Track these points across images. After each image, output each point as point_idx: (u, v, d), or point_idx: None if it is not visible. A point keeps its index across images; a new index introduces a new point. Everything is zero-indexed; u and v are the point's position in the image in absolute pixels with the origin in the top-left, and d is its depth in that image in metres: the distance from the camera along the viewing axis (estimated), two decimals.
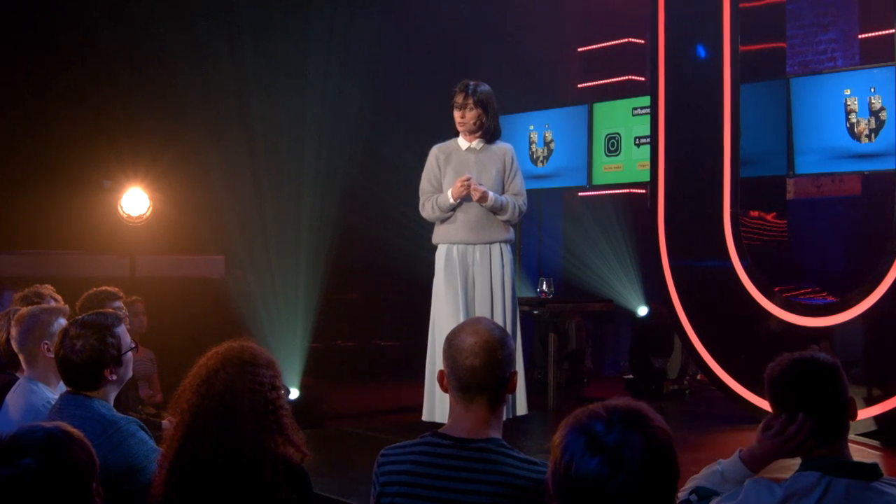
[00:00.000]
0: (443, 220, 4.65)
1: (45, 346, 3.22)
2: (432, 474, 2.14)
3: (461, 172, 4.57)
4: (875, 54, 7.46)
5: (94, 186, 7.70)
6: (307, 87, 8.50)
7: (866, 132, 5.96)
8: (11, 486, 1.59)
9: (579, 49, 9.90)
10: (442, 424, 2.30)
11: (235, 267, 8.49)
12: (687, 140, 6.02)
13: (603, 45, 9.64)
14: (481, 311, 4.52)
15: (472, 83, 4.60)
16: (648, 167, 6.34)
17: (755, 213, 6.00)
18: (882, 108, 5.88)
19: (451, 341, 2.23)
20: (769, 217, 6.16)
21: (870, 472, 2.02)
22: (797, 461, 2.14)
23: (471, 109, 4.59)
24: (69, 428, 1.71)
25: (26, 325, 3.30)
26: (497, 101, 4.73)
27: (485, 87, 4.62)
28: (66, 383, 2.83)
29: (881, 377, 5.05)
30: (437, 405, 4.44)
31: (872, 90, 5.92)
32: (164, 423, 4.80)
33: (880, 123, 5.90)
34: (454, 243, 4.61)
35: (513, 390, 2.27)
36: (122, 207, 7.45)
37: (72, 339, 2.75)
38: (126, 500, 2.51)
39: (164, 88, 7.98)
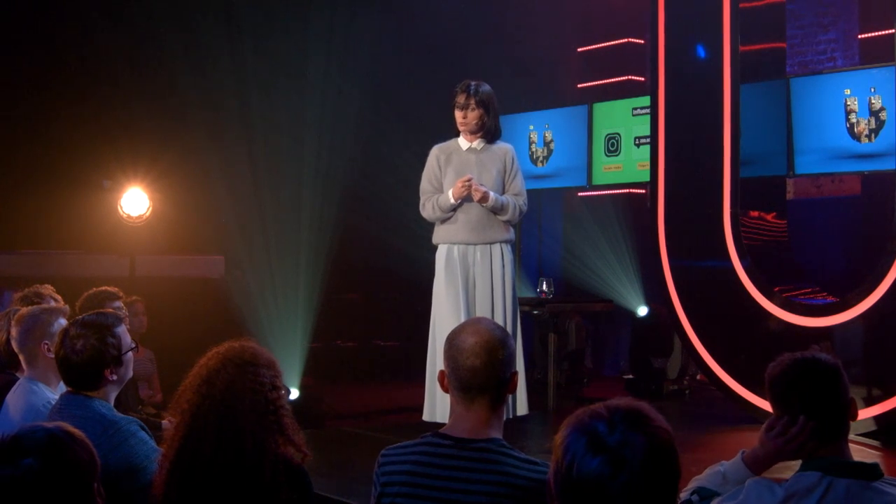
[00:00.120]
0: (443, 221, 4.65)
1: (46, 347, 3.22)
2: (433, 474, 2.14)
3: (462, 173, 4.57)
4: (875, 54, 7.47)
5: (94, 186, 7.69)
6: (307, 87, 8.50)
7: (866, 132, 5.96)
8: (13, 487, 1.59)
9: (579, 49, 9.90)
10: (443, 424, 2.30)
11: (235, 267, 8.49)
12: (687, 140, 6.02)
13: (603, 45, 9.64)
14: (482, 311, 4.52)
15: (473, 83, 4.60)
16: (648, 167, 6.34)
17: (755, 213, 6.00)
18: (882, 109, 5.88)
19: (452, 341, 2.23)
20: (769, 217, 6.16)
21: (870, 472, 2.02)
22: (799, 462, 2.14)
23: (473, 110, 4.59)
24: (70, 428, 1.71)
25: (26, 325, 3.30)
26: (497, 102, 4.73)
27: (486, 88, 4.62)
28: (67, 383, 2.83)
29: (881, 377, 5.06)
30: (437, 405, 4.44)
31: (872, 90, 5.92)
32: (165, 423, 4.80)
33: (880, 123, 5.90)
34: (455, 243, 4.61)
35: (513, 390, 2.27)
36: (122, 207, 7.45)
37: (72, 339, 2.75)
38: (127, 500, 2.51)
39: (164, 88, 7.98)
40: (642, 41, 9.20)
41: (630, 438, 1.41)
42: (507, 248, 4.69)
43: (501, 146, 4.77)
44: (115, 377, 2.81)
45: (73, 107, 7.70)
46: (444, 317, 4.47)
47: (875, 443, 4.88)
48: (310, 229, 8.36)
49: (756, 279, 5.57)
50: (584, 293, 8.71)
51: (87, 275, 6.93)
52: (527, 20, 9.40)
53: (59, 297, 4.09)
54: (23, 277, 6.06)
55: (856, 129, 6.01)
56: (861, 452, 4.48)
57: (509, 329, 4.52)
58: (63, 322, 3.24)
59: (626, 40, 9.49)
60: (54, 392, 3.16)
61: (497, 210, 4.59)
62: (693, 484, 2.28)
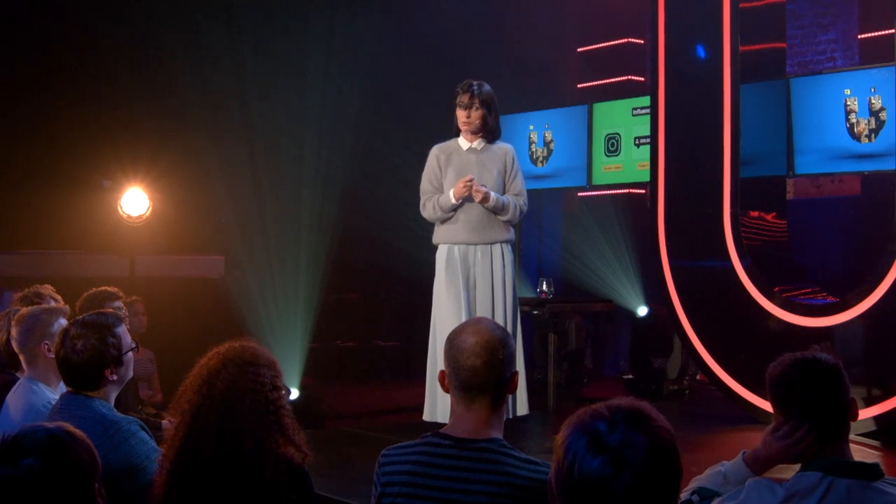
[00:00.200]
0: (443, 221, 4.65)
1: (46, 347, 3.22)
2: (433, 474, 2.14)
3: (463, 173, 4.57)
4: (874, 54, 7.47)
5: (94, 186, 7.69)
6: (307, 87, 8.50)
7: (866, 132, 5.97)
8: (14, 487, 1.59)
9: (579, 49, 9.91)
10: (443, 424, 2.30)
11: (235, 267, 8.49)
12: (687, 140, 6.02)
13: (603, 45, 9.64)
14: (482, 311, 4.52)
15: (475, 83, 4.61)
16: (648, 167, 6.34)
17: (755, 213, 6.00)
18: (882, 109, 5.88)
19: (453, 341, 2.23)
20: (769, 217, 6.16)
21: (871, 472, 2.02)
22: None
23: (476, 109, 4.60)
24: (71, 428, 1.71)
25: (27, 325, 3.30)
26: (497, 102, 4.74)
27: (488, 88, 4.63)
28: (67, 383, 2.83)
29: (881, 377, 5.05)
30: (438, 405, 4.43)
31: (872, 90, 5.92)
32: (165, 423, 4.80)
33: (880, 124, 5.90)
34: (455, 243, 4.61)
35: (514, 390, 2.27)
36: (121, 207, 7.45)
37: (72, 340, 2.75)
38: (127, 500, 2.51)
39: (164, 88, 7.98)
40: (642, 41, 9.20)
41: (631, 438, 1.41)
42: (507, 249, 4.69)
43: (502, 146, 4.77)
44: (115, 377, 2.81)
45: (73, 107, 7.70)
46: (445, 317, 4.47)
47: (875, 443, 4.88)
48: (310, 229, 8.36)
49: (756, 279, 5.57)
50: (584, 293, 8.71)
51: (87, 275, 6.93)
52: (527, 20, 9.41)
53: (59, 297, 4.08)
54: (23, 277, 6.06)
55: (856, 129, 6.01)
56: (861, 452, 4.48)
57: (510, 329, 4.52)
58: (63, 322, 3.24)
59: (626, 40, 9.50)
60: (54, 392, 3.16)
61: (498, 210, 4.59)
62: (693, 484, 2.28)
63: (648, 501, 1.41)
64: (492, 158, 4.68)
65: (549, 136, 8.17)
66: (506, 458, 2.13)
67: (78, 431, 1.71)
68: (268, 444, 2.18)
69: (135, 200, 7.45)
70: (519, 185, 4.73)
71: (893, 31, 5.48)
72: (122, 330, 2.85)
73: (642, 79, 9.18)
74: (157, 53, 8.00)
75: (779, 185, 6.54)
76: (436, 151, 4.72)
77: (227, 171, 8.16)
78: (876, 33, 7.96)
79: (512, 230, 4.75)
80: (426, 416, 4.53)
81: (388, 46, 8.63)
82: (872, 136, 5.94)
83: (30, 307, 3.51)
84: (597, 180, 7.88)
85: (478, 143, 4.69)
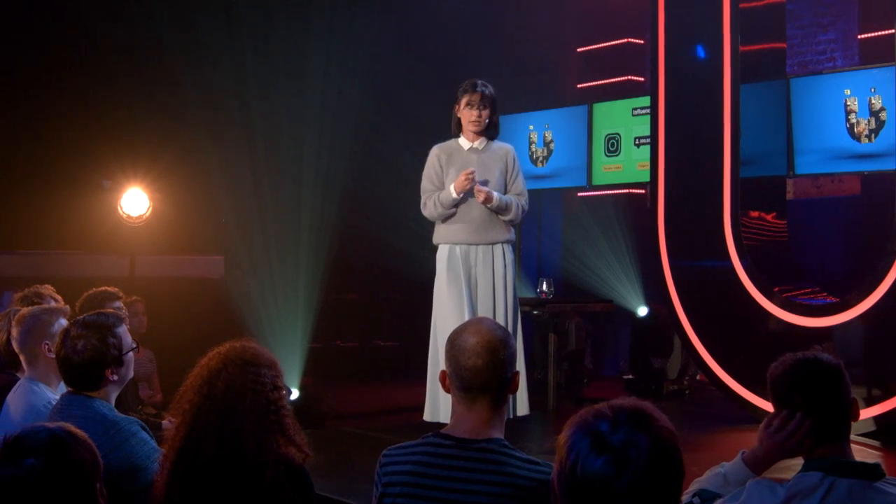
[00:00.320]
0: (444, 220, 4.64)
1: (46, 347, 3.22)
2: (434, 475, 2.14)
3: None
4: (874, 54, 7.47)
5: (94, 186, 7.69)
6: (307, 87, 8.50)
7: (866, 132, 5.97)
8: (16, 487, 1.59)
9: (579, 49, 9.91)
10: (446, 425, 2.30)
11: (235, 267, 8.49)
12: (687, 140, 6.02)
13: (602, 45, 9.64)
14: (484, 311, 4.52)
15: (480, 82, 4.62)
16: (648, 167, 6.34)
17: (755, 213, 6.00)
18: (882, 109, 5.88)
19: (454, 341, 2.23)
20: (769, 217, 6.16)
21: (872, 472, 2.02)
22: (800, 462, 2.14)
23: (485, 108, 4.61)
24: (73, 428, 1.71)
25: (27, 325, 3.30)
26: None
27: (492, 87, 4.65)
28: (68, 383, 2.83)
29: (881, 377, 5.06)
30: (441, 405, 4.43)
31: (872, 90, 5.92)
32: (165, 423, 4.80)
33: (880, 124, 5.90)
34: (456, 244, 4.61)
35: (515, 390, 2.27)
36: (121, 207, 7.45)
37: (73, 340, 2.75)
38: (128, 500, 2.51)
39: (164, 88, 7.98)
40: (642, 41, 9.21)
41: (634, 438, 1.41)
42: (508, 249, 4.69)
43: (502, 146, 4.77)
44: (115, 377, 2.80)
45: (73, 107, 7.70)
46: (447, 317, 4.46)
47: (875, 443, 4.89)
48: (310, 229, 8.36)
49: (756, 279, 5.57)
50: (584, 293, 8.70)
51: (87, 275, 6.93)
52: (527, 20, 9.41)
53: (59, 298, 4.08)
54: (23, 277, 6.06)
55: (856, 130, 6.01)
56: (862, 453, 4.48)
57: (510, 329, 4.52)
58: (64, 322, 3.24)
59: (625, 40, 9.50)
60: (55, 392, 3.16)
61: (501, 210, 4.59)
62: (694, 486, 2.28)
63: (651, 501, 1.41)
64: (493, 158, 4.69)
65: (549, 136, 8.17)
66: (507, 459, 2.13)
67: (79, 432, 1.71)
68: (268, 444, 2.18)
69: (135, 200, 7.45)
70: (520, 184, 4.73)
71: (893, 31, 5.48)
72: (123, 330, 2.85)
73: (642, 79, 9.18)
74: (157, 53, 8.00)
75: (779, 185, 6.54)
76: (436, 151, 4.72)
77: (227, 171, 8.16)
78: (876, 33, 7.96)
79: (512, 230, 4.75)
80: (427, 417, 4.52)
81: (388, 46, 8.63)
82: (872, 136, 5.94)
83: (30, 307, 3.51)
84: (597, 180, 7.88)
85: (479, 143, 4.69)
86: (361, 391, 8.25)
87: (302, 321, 7.86)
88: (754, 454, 2.23)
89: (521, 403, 4.61)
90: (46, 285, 4.18)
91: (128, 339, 2.86)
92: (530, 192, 4.96)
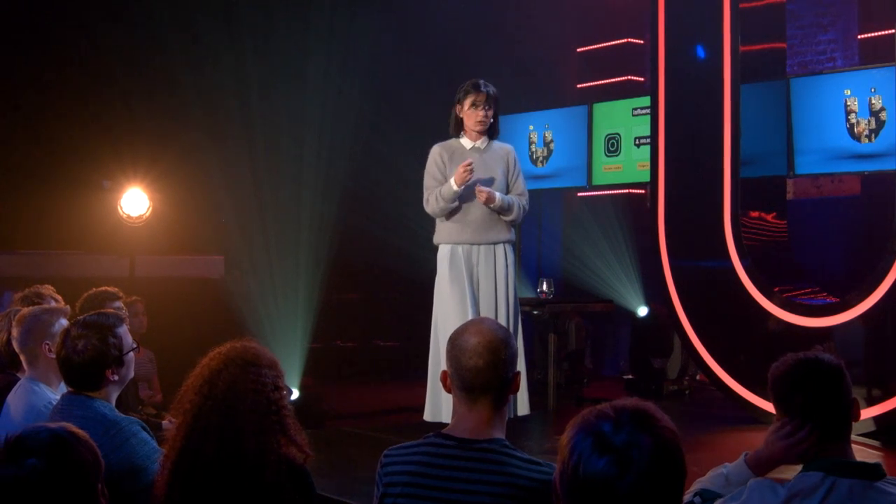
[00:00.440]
0: (446, 220, 4.63)
1: (47, 347, 3.22)
2: (436, 475, 2.14)
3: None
4: (874, 54, 7.47)
5: (94, 186, 7.69)
6: (307, 87, 8.50)
7: (866, 132, 5.97)
8: (17, 487, 1.59)
9: (579, 49, 9.91)
10: (447, 425, 2.30)
11: (235, 267, 8.49)
12: (687, 140, 6.02)
13: (602, 45, 9.65)
14: (486, 311, 4.51)
15: (482, 82, 4.62)
16: (648, 167, 6.34)
17: (755, 213, 6.00)
18: (882, 109, 5.88)
19: (455, 342, 2.23)
20: (769, 217, 6.16)
21: (873, 472, 2.02)
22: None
23: (489, 108, 4.61)
24: (74, 428, 1.71)
25: (27, 325, 3.30)
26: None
27: (493, 86, 4.65)
28: (68, 384, 2.83)
29: (881, 378, 5.06)
30: (443, 405, 4.41)
31: (873, 90, 5.92)
32: (165, 423, 4.80)
33: (880, 124, 5.90)
34: (458, 243, 4.60)
35: (516, 391, 2.27)
36: (121, 208, 7.45)
37: (73, 340, 2.75)
38: (129, 500, 2.51)
39: (164, 88, 7.98)
40: (642, 41, 9.21)
41: (637, 439, 1.41)
42: (509, 249, 4.69)
43: (503, 146, 4.77)
44: (116, 377, 2.80)
45: (73, 107, 7.70)
46: (450, 316, 4.44)
47: (875, 443, 4.89)
48: (310, 229, 8.36)
49: (756, 279, 5.57)
50: (584, 293, 8.70)
51: (87, 275, 6.92)
52: (527, 20, 9.41)
53: (59, 298, 4.08)
54: (23, 278, 6.06)
55: (856, 130, 6.01)
56: (863, 453, 4.49)
57: (511, 329, 4.52)
58: (64, 322, 3.25)
59: (625, 40, 9.50)
60: (55, 392, 3.16)
61: (503, 210, 4.59)
62: (696, 486, 2.28)
63: (653, 502, 1.41)
64: (495, 158, 4.69)
65: (549, 136, 8.17)
66: (508, 459, 2.13)
67: (81, 432, 1.71)
68: (269, 445, 2.18)
69: (135, 200, 7.45)
70: (521, 184, 4.74)
71: (893, 31, 5.49)
72: (124, 330, 2.85)
73: (642, 79, 9.18)
74: (157, 53, 8.00)
75: (779, 185, 6.54)
76: (438, 149, 4.71)
77: (227, 171, 8.16)
78: (876, 33, 7.96)
79: (513, 230, 4.75)
80: (428, 417, 4.51)
81: (388, 46, 8.63)
82: (872, 136, 5.94)
83: (30, 307, 3.51)
84: (597, 180, 7.88)
85: (481, 143, 4.69)
86: (361, 391, 8.25)
87: (302, 321, 7.86)
88: (758, 456, 2.23)
89: (522, 403, 4.61)
90: (47, 285, 4.18)
91: (128, 340, 2.86)
92: (530, 192, 4.96)
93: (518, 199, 4.65)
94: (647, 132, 6.49)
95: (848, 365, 2.19)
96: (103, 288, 4.61)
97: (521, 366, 4.33)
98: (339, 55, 8.53)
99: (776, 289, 5.56)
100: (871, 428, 4.94)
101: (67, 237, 7.81)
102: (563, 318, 7.43)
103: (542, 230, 9.48)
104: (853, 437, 2.18)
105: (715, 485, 2.25)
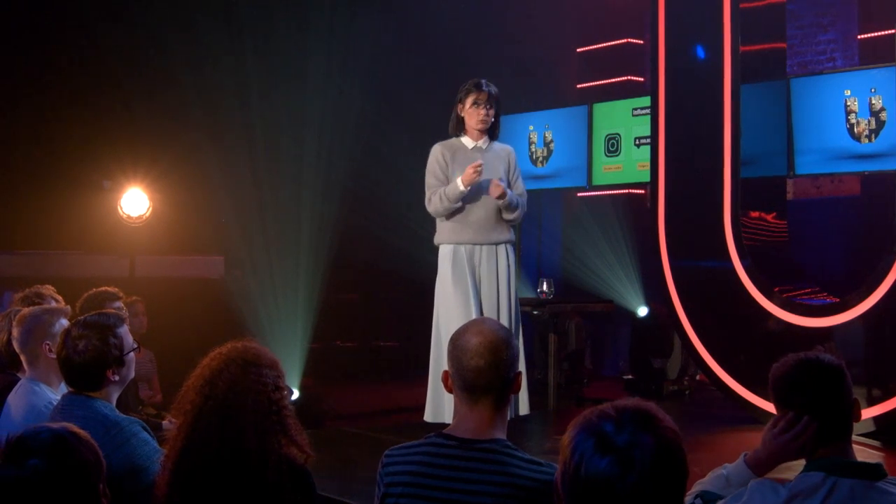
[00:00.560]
0: (447, 220, 4.63)
1: (47, 347, 3.22)
2: (437, 475, 2.14)
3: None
4: (874, 55, 7.47)
5: (94, 187, 7.69)
6: (307, 87, 8.50)
7: (866, 133, 5.97)
8: (19, 487, 1.60)
9: (579, 49, 9.91)
10: (449, 425, 2.30)
11: (235, 267, 8.49)
12: (687, 140, 6.02)
13: (602, 45, 9.65)
14: (488, 311, 4.51)
15: (484, 81, 4.62)
16: (648, 167, 6.34)
17: (755, 214, 6.00)
18: (882, 109, 5.88)
19: (456, 342, 2.23)
20: (769, 217, 6.16)
21: (874, 472, 2.02)
22: (801, 462, 2.14)
23: (491, 107, 4.61)
24: (76, 429, 1.71)
25: (28, 325, 3.30)
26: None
27: (494, 86, 4.66)
28: (69, 384, 2.83)
29: (881, 378, 5.06)
30: (446, 406, 4.40)
31: (873, 91, 5.92)
32: (165, 423, 4.81)
33: (880, 124, 5.90)
34: (460, 243, 4.59)
35: (517, 391, 2.27)
36: (121, 208, 7.45)
37: (74, 340, 2.75)
38: (130, 500, 2.51)
39: (164, 88, 7.98)
40: (642, 41, 9.21)
41: (638, 439, 1.42)
42: (510, 249, 4.70)
43: (503, 146, 4.78)
44: (117, 378, 2.80)
45: (73, 107, 7.70)
46: (453, 317, 4.41)
47: (875, 443, 4.89)
48: (310, 229, 8.36)
49: (756, 279, 5.57)
50: (584, 293, 8.70)
51: (87, 275, 6.93)
52: (527, 20, 9.40)
53: (59, 298, 4.08)
54: (23, 278, 6.06)
55: (856, 130, 6.01)
56: (864, 453, 4.49)
57: (512, 329, 4.53)
58: (64, 322, 3.25)
59: (625, 40, 9.50)
60: (56, 393, 3.16)
61: (509, 208, 4.58)
62: (696, 488, 2.28)
63: (655, 502, 1.41)
64: (496, 157, 4.69)
65: (549, 136, 8.17)
66: (509, 459, 2.13)
67: (82, 432, 1.71)
68: (270, 445, 2.18)
69: (135, 201, 7.46)
70: (521, 185, 4.75)
71: (893, 31, 5.49)
72: (124, 330, 2.85)
73: (642, 79, 9.18)
74: (157, 53, 8.00)
75: (779, 185, 6.54)
76: (439, 148, 4.70)
77: (227, 171, 8.15)
78: (876, 33, 7.95)
79: (513, 231, 4.75)
80: (429, 418, 4.50)
81: (389, 46, 8.63)
82: (873, 136, 5.94)
83: (31, 307, 3.51)
84: (597, 180, 7.88)
85: (483, 142, 4.69)
86: (361, 391, 8.25)
87: (302, 321, 7.86)
88: (757, 456, 2.24)
89: (522, 403, 4.61)
90: (47, 285, 4.18)
91: (129, 340, 2.86)
92: (530, 192, 4.97)
93: (520, 199, 4.67)
94: (647, 132, 6.49)
95: (848, 365, 2.19)
96: (103, 288, 4.61)
97: (521, 366, 4.33)
98: (339, 55, 8.53)
99: (776, 289, 5.56)
100: (871, 428, 4.94)
101: (67, 237, 7.81)
102: (563, 318, 7.43)
103: (542, 230, 9.48)
104: (853, 437, 2.18)
105: (715, 486, 2.25)
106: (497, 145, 4.75)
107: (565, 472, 1.44)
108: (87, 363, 2.73)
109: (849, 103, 6.03)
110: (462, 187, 4.48)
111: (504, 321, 4.46)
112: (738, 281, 5.62)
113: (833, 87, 6.16)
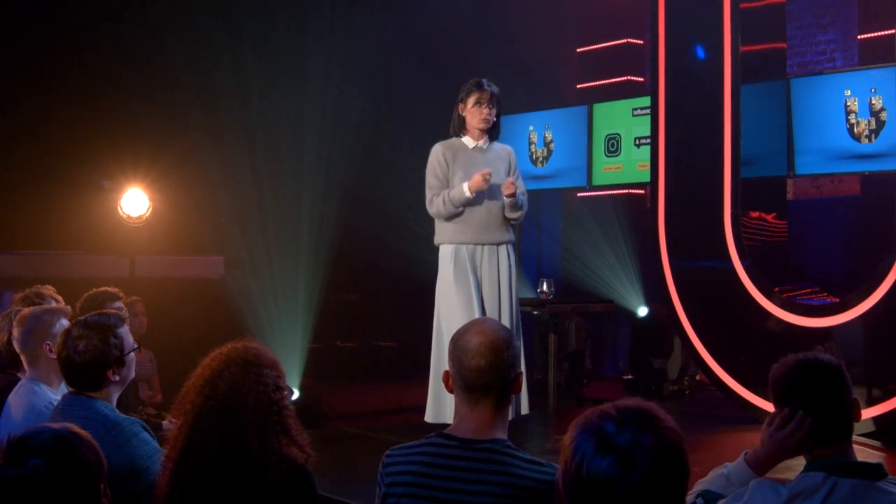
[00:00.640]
0: (448, 220, 4.62)
1: (48, 347, 3.22)
2: (438, 475, 2.14)
3: (471, 171, 4.53)
4: (874, 55, 7.47)
5: (94, 187, 7.69)
6: (307, 87, 8.50)
7: (866, 133, 5.97)
8: (20, 487, 1.59)
9: (578, 49, 9.91)
10: (449, 425, 2.30)
11: (235, 267, 8.49)
12: (687, 140, 6.02)
13: (602, 45, 9.65)
14: (489, 311, 4.51)
15: (486, 81, 4.62)
16: (648, 167, 6.34)
17: (755, 214, 6.00)
18: (882, 109, 5.88)
19: (457, 342, 2.23)
20: (769, 217, 6.16)
21: (875, 471, 2.02)
22: (802, 462, 2.14)
23: (492, 107, 4.61)
24: (77, 429, 1.71)
25: (28, 325, 3.30)
26: None
27: (495, 86, 4.66)
28: (69, 384, 2.83)
29: (881, 378, 5.06)
30: (447, 406, 4.39)
31: (873, 91, 5.92)
32: (165, 423, 4.80)
33: (880, 124, 5.90)
34: (462, 243, 4.59)
35: (518, 391, 2.27)
36: (121, 208, 7.45)
37: (74, 340, 2.75)
38: (130, 501, 2.51)
39: (164, 88, 7.98)
40: (642, 41, 9.21)
41: (640, 439, 1.42)
42: (511, 250, 4.70)
43: (503, 146, 4.78)
44: (117, 378, 2.80)
45: (73, 107, 7.70)
46: (456, 317, 4.40)
47: (875, 443, 4.89)
48: (310, 229, 8.36)
49: (756, 279, 5.57)
50: (584, 293, 8.70)
51: (87, 275, 6.92)
52: (527, 20, 9.40)
53: (59, 298, 4.08)
54: (23, 278, 6.06)
55: (856, 130, 6.01)
56: (864, 453, 4.49)
57: (513, 329, 4.52)
58: (65, 323, 3.25)
59: (625, 41, 9.50)
60: (56, 393, 3.16)
61: (516, 207, 4.58)
62: (697, 487, 2.28)
63: (656, 502, 1.41)
64: (497, 158, 4.69)
65: (549, 136, 8.17)
66: (510, 459, 2.13)
67: (83, 432, 1.71)
68: (271, 445, 2.18)
69: (135, 201, 7.45)
70: (522, 185, 4.74)
71: (893, 31, 5.49)
72: (125, 330, 2.85)
73: (642, 79, 9.18)
74: (157, 53, 8.00)
75: (779, 185, 6.53)
76: (440, 148, 4.69)
77: (227, 171, 8.16)
78: (876, 33, 7.96)
79: (513, 231, 4.75)
80: (430, 418, 4.48)
81: (389, 46, 8.63)
82: (873, 136, 5.94)
83: (31, 308, 3.51)
84: (597, 181, 7.88)
85: (483, 142, 4.69)
86: (361, 391, 8.25)
87: (302, 321, 7.86)
88: (757, 455, 2.24)
89: (523, 403, 4.61)
90: (47, 286, 4.18)
91: (129, 340, 2.86)
92: (530, 192, 4.96)
93: (523, 199, 4.68)
94: (647, 132, 6.48)
95: (848, 365, 2.19)
96: (103, 288, 4.61)
97: (522, 366, 4.33)
98: (339, 55, 8.53)
99: (776, 289, 5.56)
100: (871, 428, 4.94)
101: (67, 237, 7.82)
102: (563, 319, 7.43)
103: (542, 230, 9.48)
104: (853, 437, 2.18)
105: (716, 485, 2.25)
106: (497, 145, 4.75)
107: (566, 473, 1.44)
108: (88, 363, 2.73)
109: (849, 103, 6.03)
110: (468, 193, 4.48)
111: (505, 321, 4.46)
112: (739, 281, 5.62)
113: (833, 88, 6.16)
